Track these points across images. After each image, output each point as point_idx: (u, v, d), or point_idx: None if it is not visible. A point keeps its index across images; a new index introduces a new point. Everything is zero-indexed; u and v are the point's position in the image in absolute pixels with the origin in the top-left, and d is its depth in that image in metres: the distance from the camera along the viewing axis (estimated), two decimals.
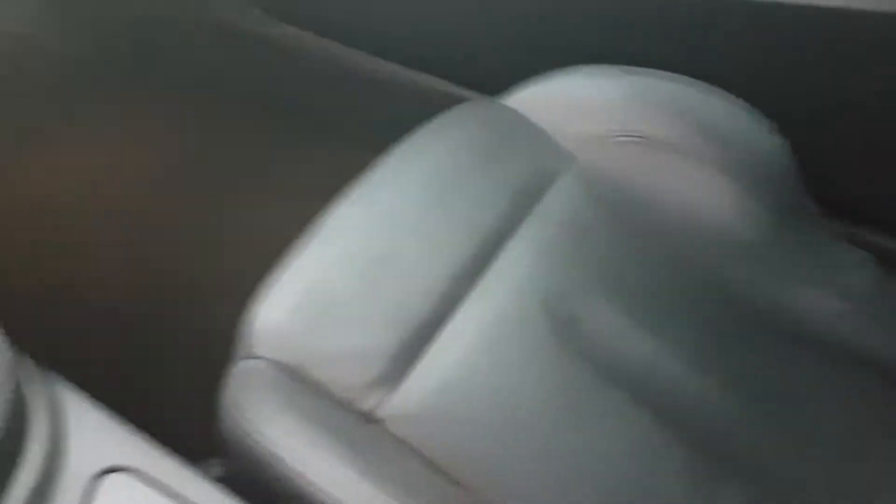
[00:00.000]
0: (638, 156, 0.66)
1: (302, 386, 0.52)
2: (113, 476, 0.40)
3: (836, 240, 0.68)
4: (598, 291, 0.61)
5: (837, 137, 0.70)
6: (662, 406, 0.57)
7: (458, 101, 0.71)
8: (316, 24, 0.92)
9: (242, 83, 1.01)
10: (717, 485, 0.54)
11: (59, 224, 0.91)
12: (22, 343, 0.43)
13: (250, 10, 0.95)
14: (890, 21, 0.60)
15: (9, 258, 0.83)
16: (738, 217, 0.65)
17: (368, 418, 0.53)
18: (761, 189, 0.66)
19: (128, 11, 1.03)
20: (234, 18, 0.97)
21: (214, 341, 0.58)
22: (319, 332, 0.54)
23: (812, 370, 0.60)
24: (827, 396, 0.59)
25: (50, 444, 0.40)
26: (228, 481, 0.43)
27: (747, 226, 0.65)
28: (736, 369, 0.60)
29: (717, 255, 0.64)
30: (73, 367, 0.47)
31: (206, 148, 0.99)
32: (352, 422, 0.52)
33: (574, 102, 0.68)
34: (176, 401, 0.53)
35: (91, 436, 0.42)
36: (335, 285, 0.56)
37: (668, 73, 0.68)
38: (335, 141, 0.93)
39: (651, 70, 0.68)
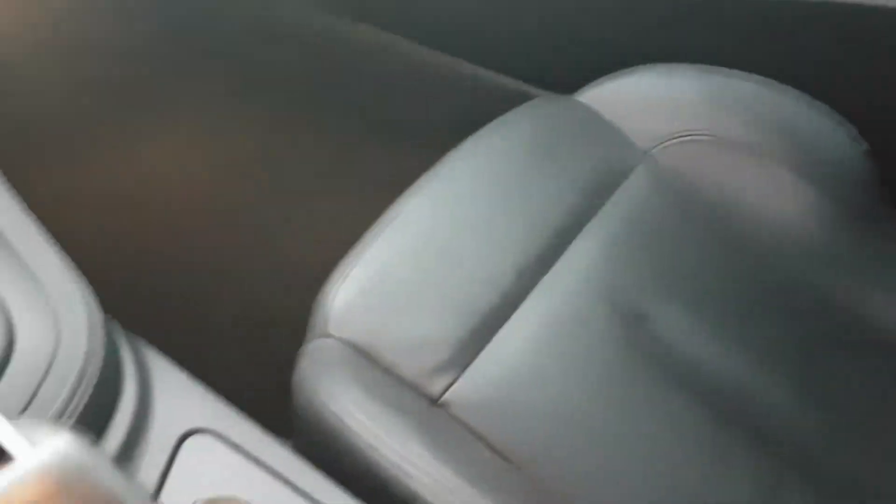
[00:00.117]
0: (711, 156, 0.65)
1: (371, 365, 0.54)
2: (195, 437, 0.42)
3: None
4: (667, 290, 0.61)
5: None
6: (728, 409, 0.56)
7: (532, 99, 0.71)
8: (384, 20, 0.94)
9: (311, 80, 1.04)
10: (781, 491, 0.53)
11: (140, 211, 0.95)
12: (114, 312, 0.46)
13: (317, 6, 0.98)
14: None
15: (102, 240, 0.88)
16: (814, 221, 0.64)
17: (433, 402, 0.54)
18: (839, 193, 0.64)
19: (199, 4, 1.07)
20: (300, 14, 1.01)
21: (285, 324, 0.60)
22: (390, 316, 0.56)
23: (890, 379, 0.58)
24: None
25: (138, 403, 0.42)
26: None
27: (823, 230, 0.63)
28: (807, 376, 0.59)
29: (791, 259, 0.63)
30: (156, 335, 0.49)
31: (278, 143, 1.02)
32: (418, 403, 0.53)
33: (648, 100, 0.68)
34: (247, 382, 0.55)
35: (175, 398, 0.44)
36: (405, 272, 0.58)
37: (745, 73, 0.67)
38: (404, 138, 0.94)
39: (727, 69, 0.67)
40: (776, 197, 0.64)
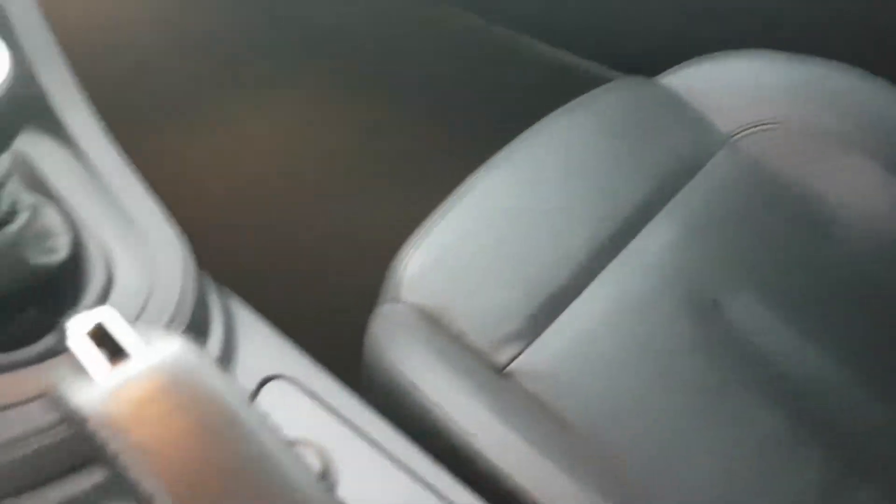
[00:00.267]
0: (796, 145, 0.64)
1: (441, 331, 0.55)
2: (274, 382, 0.44)
3: None
4: (744, 279, 0.60)
5: None
6: (800, 404, 0.55)
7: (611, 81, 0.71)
8: (477, 5, 0.95)
9: (413, 68, 1.07)
10: (848, 490, 0.52)
11: (237, 178, 1.02)
12: (206, 265, 0.49)
13: None
14: None
15: (203, 199, 0.94)
16: None
17: (499, 370, 0.55)
18: None
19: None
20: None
21: (358, 289, 0.61)
22: (461, 284, 0.57)
23: None
24: None
25: (224, 347, 0.44)
26: None
27: None
28: (884, 374, 0.57)
29: (875, 254, 0.61)
30: (242, 290, 0.51)
31: (377, 130, 1.07)
32: (485, 370, 0.54)
33: (733, 86, 0.67)
34: (322, 336, 0.57)
35: (256, 345, 0.45)
36: (478, 244, 0.58)
37: (835, 63, 0.65)
38: (483, 118, 0.96)
39: (815, 58, 0.66)
40: (864, 190, 0.62)
